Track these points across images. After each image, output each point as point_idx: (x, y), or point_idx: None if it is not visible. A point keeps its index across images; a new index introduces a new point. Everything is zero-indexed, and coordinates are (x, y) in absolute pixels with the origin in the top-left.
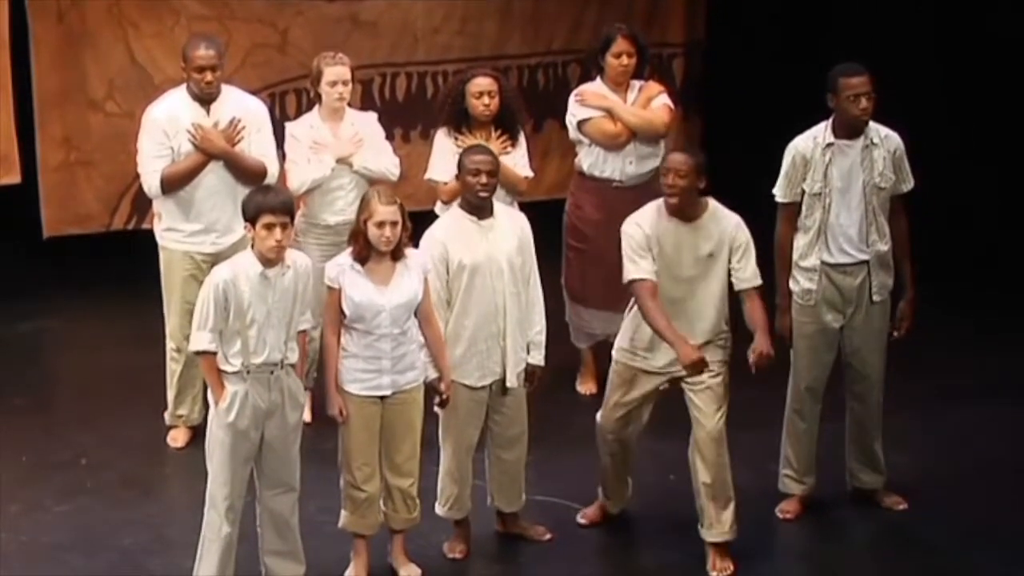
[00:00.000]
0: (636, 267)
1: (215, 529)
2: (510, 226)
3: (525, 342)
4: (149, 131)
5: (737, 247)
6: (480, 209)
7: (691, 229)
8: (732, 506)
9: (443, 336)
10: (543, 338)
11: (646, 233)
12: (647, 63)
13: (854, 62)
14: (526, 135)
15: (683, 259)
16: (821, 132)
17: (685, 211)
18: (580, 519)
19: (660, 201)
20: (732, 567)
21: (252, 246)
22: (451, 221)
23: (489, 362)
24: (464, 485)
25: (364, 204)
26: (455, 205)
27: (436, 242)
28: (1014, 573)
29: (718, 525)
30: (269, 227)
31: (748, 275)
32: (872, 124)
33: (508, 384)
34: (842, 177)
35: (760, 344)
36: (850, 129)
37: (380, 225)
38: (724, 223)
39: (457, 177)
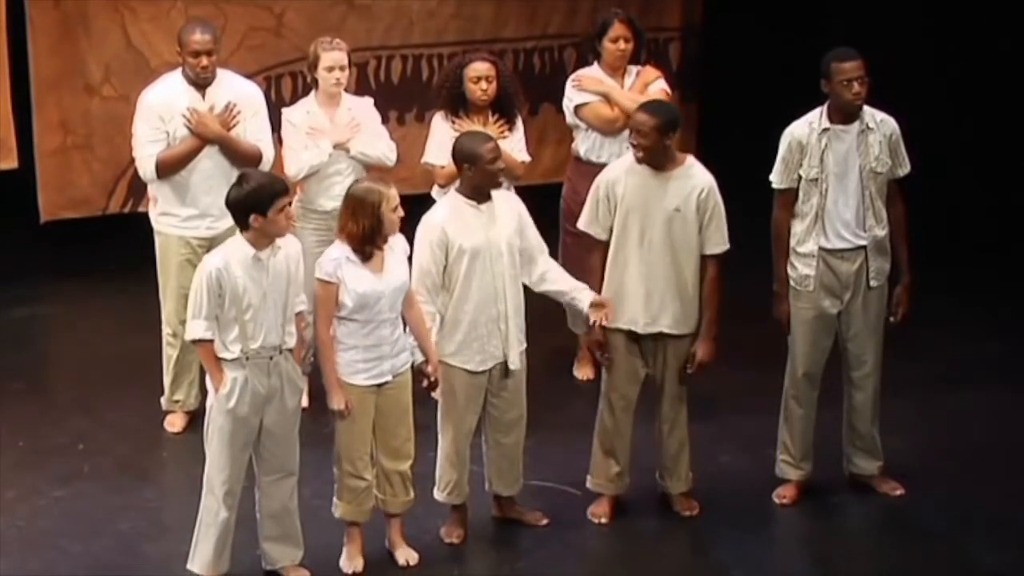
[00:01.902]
0: (587, 219)
1: (212, 514)
2: (507, 209)
3: (524, 324)
4: (144, 115)
5: (706, 208)
6: (480, 194)
7: (660, 180)
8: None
9: (426, 319)
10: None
11: (608, 180)
12: (643, 48)
13: (849, 47)
14: (523, 119)
15: (651, 209)
16: (816, 118)
17: (653, 163)
18: (601, 520)
19: None
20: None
21: (245, 230)
22: (449, 206)
23: (489, 346)
24: (463, 470)
25: (373, 198)
26: (452, 190)
27: (434, 227)
28: (1012, 558)
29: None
30: (283, 209)
31: (713, 239)
32: (867, 109)
33: (511, 367)
34: (838, 162)
35: (699, 351)
36: (844, 114)
37: (396, 208)
38: (696, 180)
39: (470, 166)
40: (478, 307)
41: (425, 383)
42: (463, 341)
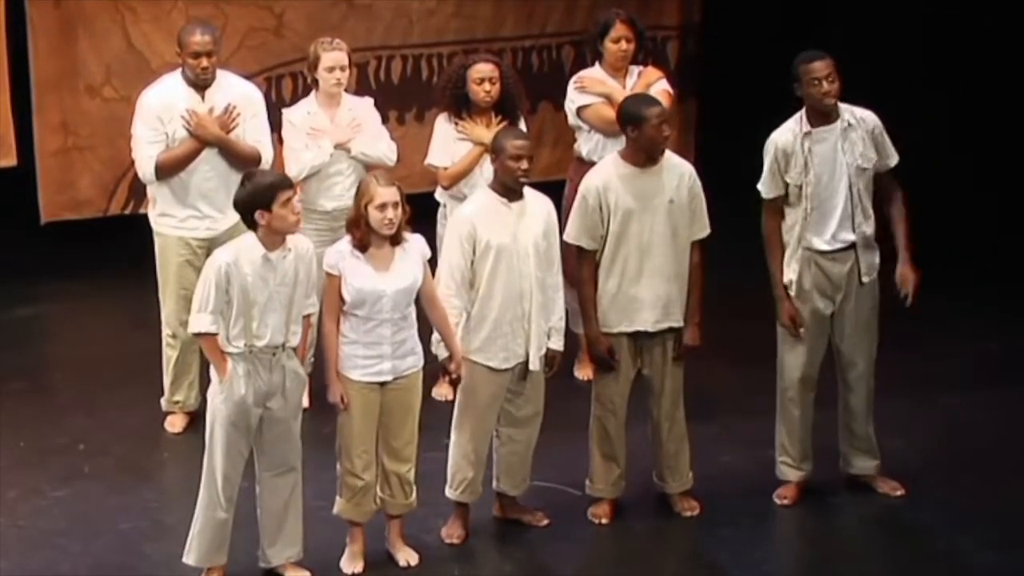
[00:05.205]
0: (576, 231)
1: (209, 506)
2: (538, 210)
3: (547, 326)
4: (143, 117)
5: (694, 193)
6: (512, 192)
7: (650, 176)
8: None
9: (452, 313)
10: (563, 324)
11: (597, 188)
12: (644, 47)
13: (818, 49)
14: (525, 120)
15: (648, 207)
16: (797, 124)
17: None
18: (602, 520)
19: (615, 154)
20: None
21: (256, 229)
22: (482, 202)
23: (513, 344)
24: (479, 469)
25: (363, 189)
26: (486, 186)
27: (465, 221)
28: (1011, 558)
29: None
30: (287, 202)
31: (699, 224)
32: (845, 106)
33: (531, 367)
34: (824, 164)
35: (685, 336)
36: (820, 115)
37: (382, 207)
38: (680, 168)
39: (495, 156)
40: (503, 305)
41: (448, 379)
42: (487, 338)
